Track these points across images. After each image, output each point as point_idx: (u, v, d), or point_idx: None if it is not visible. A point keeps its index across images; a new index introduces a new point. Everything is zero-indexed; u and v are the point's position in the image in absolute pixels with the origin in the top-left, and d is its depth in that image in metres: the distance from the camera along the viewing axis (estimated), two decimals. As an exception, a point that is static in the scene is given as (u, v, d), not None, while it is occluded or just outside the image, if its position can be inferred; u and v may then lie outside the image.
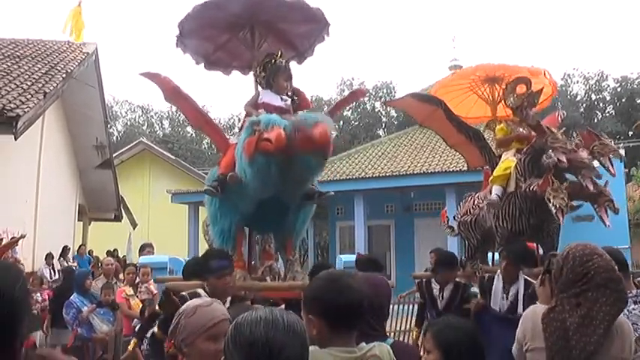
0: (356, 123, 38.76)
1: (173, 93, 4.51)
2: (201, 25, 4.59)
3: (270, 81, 4.47)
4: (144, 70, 4.49)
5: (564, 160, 4.08)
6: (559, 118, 5.06)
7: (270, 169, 3.75)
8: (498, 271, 4.52)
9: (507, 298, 4.31)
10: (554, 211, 4.15)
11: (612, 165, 4.26)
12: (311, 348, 1.69)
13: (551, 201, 4.14)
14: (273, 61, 4.48)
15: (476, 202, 5.35)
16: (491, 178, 4.90)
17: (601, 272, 2.30)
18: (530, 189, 4.44)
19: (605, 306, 2.26)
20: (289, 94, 4.52)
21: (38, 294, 7.67)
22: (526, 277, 4.32)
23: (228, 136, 4.69)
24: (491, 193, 4.84)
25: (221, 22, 4.62)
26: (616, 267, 2.37)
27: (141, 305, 6.55)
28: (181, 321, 2.01)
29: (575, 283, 2.32)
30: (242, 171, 3.89)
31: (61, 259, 13.02)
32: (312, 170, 4.06)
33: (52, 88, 10.50)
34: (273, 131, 3.65)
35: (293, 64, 5.05)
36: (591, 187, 4.10)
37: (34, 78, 10.87)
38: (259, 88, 4.54)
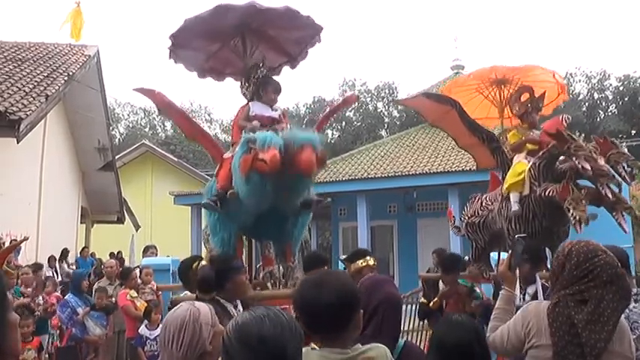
0: (358, 123, 38.76)
1: (167, 108, 4.59)
2: (193, 36, 4.64)
3: (259, 92, 4.52)
4: (140, 85, 4.63)
5: (589, 168, 4.08)
6: (564, 122, 5.04)
7: (264, 187, 3.85)
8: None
9: (524, 299, 4.31)
10: (573, 222, 4.14)
11: (627, 173, 4.29)
12: (303, 349, 1.71)
13: (571, 211, 4.13)
14: (257, 71, 4.54)
15: (484, 204, 5.33)
16: (506, 185, 4.89)
17: (607, 269, 2.30)
18: (546, 194, 4.43)
19: (611, 303, 2.26)
20: (277, 106, 4.61)
21: (40, 297, 7.66)
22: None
23: (222, 149, 4.74)
24: (506, 200, 4.83)
25: (212, 32, 4.66)
26: (619, 263, 2.37)
27: (146, 306, 6.53)
28: (197, 328, 1.97)
29: (581, 279, 2.31)
30: (238, 187, 3.94)
31: (62, 262, 12.97)
32: (300, 189, 4.17)
33: (54, 90, 10.52)
34: (268, 152, 3.73)
35: (286, 69, 5.08)
36: (610, 196, 4.10)
37: (36, 81, 10.89)
38: (250, 101, 4.58)
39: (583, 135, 4.58)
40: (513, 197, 4.72)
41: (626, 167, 4.28)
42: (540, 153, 4.66)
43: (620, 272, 2.32)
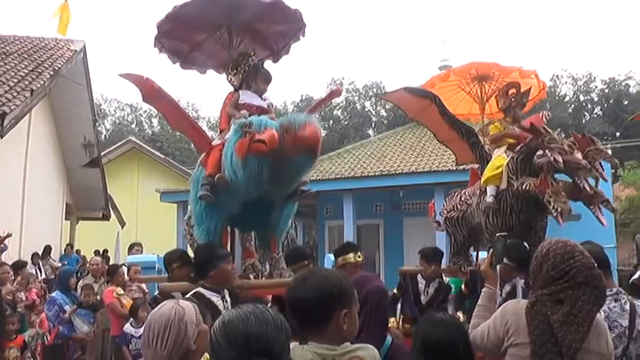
0: (345, 122, 38.84)
1: (153, 94, 4.46)
2: (179, 25, 4.59)
3: (249, 82, 4.49)
4: (127, 71, 4.47)
5: (560, 160, 4.10)
6: (544, 119, 5.09)
7: (262, 171, 3.77)
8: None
9: (502, 295, 4.34)
10: (554, 214, 4.15)
11: (604, 170, 4.31)
12: (292, 344, 1.71)
13: (552, 203, 4.14)
14: (247, 60, 4.51)
15: (463, 199, 5.35)
16: (484, 178, 4.90)
17: (582, 270, 2.33)
18: (523, 187, 4.45)
19: (587, 304, 2.30)
20: (266, 95, 4.58)
21: (22, 293, 7.59)
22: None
23: (211, 138, 4.64)
24: (484, 193, 4.85)
25: (198, 22, 4.62)
26: (595, 264, 2.40)
27: (132, 303, 6.48)
28: (182, 327, 1.97)
29: (557, 280, 2.35)
30: (232, 173, 3.88)
31: (44, 259, 12.84)
32: (302, 171, 4.08)
33: (39, 85, 10.42)
34: (265, 133, 3.67)
35: (268, 63, 5.06)
36: (588, 188, 4.13)
37: (20, 75, 10.78)
38: (238, 89, 4.54)
39: (558, 129, 4.58)
40: (490, 190, 4.74)
41: (602, 164, 4.31)
42: (518, 147, 4.68)
43: (595, 273, 2.35)
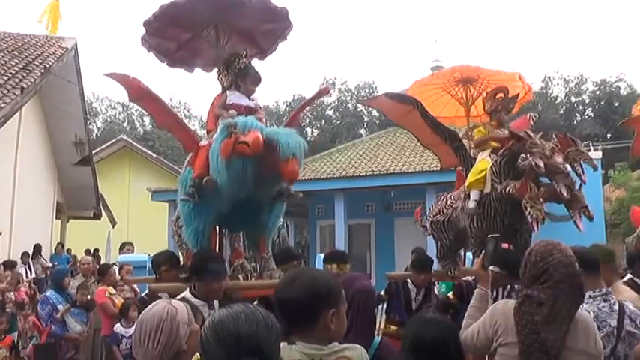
0: (338, 122, 38.88)
1: (139, 94, 4.45)
2: (167, 24, 4.58)
3: (237, 82, 4.50)
4: (118, 69, 4.45)
5: (542, 165, 4.11)
6: (530, 120, 5.09)
7: (246, 172, 3.79)
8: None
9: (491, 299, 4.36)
10: (529, 221, 4.17)
11: (584, 172, 4.31)
12: (281, 344, 1.72)
13: (528, 210, 4.16)
14: (238, 61, 4.51)
15: (449, 203, 5.35)
16: (467, 182, 4.90)
17: (559, 268, 2.38)
18: (506, 191, 4.45)
19: (566, 302, 2.35)
20: (254, 96, 4.59)
21: (11, 293, 7.54)
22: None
23: (198, 139, 4.64)
24: (468, 198, 4.85)
25: (186, 20, 4.61)
26: (576, 262, 2.44)
27: (122, 303, 6.46)
28: (174, 326, 1.97)
29: (538, 278, 2.41)
30: (217, 173, 3.90)
31: (34, 258, 12.75)
32: (273, 189, 4.17)
33: (29, 83, 10.37)
34: (250, 135, 3.67)
35: (256, 61, 5.06)
36: (565, 193, 4.13)
37: (10, 73, 10.71)
38: (227, 90, 4.55)
39: (541, 133, 4.57)
40: (473, 195, 4.73)
41: (583, 165, 4.30)
42: (501, 151, 4.69)
43: (572, 272, 2.40)
